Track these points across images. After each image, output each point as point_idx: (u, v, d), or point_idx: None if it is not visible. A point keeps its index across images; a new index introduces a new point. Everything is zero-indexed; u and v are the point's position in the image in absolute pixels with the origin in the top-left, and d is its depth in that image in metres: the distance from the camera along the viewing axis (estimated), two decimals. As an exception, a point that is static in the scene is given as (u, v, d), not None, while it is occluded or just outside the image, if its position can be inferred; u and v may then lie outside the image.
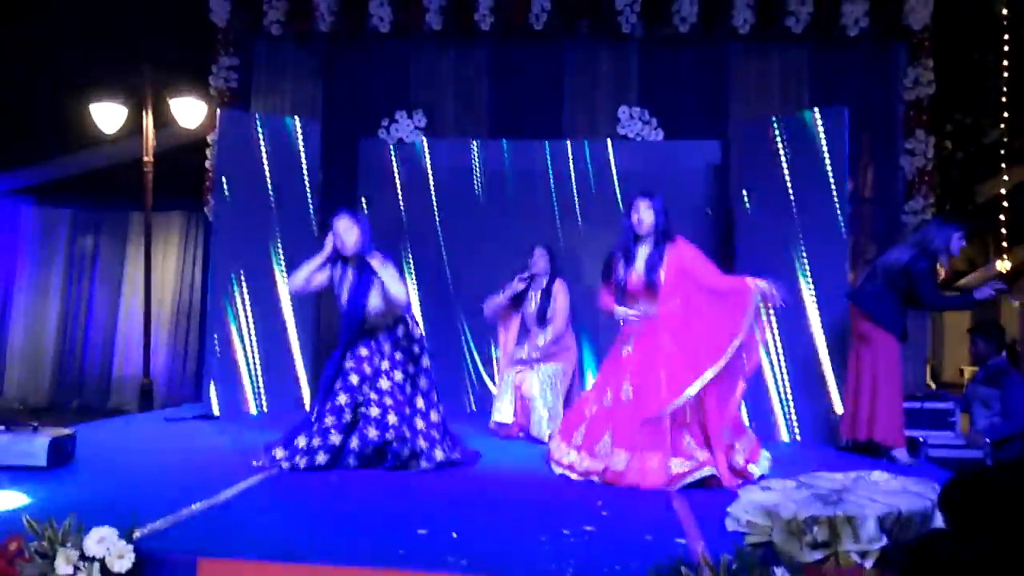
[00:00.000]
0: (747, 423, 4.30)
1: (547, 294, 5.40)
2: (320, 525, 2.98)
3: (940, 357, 12.70)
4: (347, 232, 4.11)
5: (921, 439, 4.80)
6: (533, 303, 5.42)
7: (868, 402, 4.65)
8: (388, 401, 4.08)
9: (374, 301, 4.16)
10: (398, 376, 4.17)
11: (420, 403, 4.23)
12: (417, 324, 4.40)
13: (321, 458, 3.99)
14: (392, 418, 4.04)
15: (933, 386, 8.22)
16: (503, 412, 5.33)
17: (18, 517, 2.59)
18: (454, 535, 2.84)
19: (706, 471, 3.72)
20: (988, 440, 4.91)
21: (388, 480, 3.84)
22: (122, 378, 7.79)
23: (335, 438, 4.03)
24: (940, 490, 2.25)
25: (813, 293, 5.52)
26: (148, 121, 7.07)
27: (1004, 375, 5.20)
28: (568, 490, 3.77)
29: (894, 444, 4.59)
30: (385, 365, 4.17)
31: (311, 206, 6.36)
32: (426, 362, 4.33)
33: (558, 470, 4.10)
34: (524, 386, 5.29)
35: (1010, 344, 8.27)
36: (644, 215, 4.10)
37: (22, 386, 7.90)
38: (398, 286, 4.10)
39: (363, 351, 4.19)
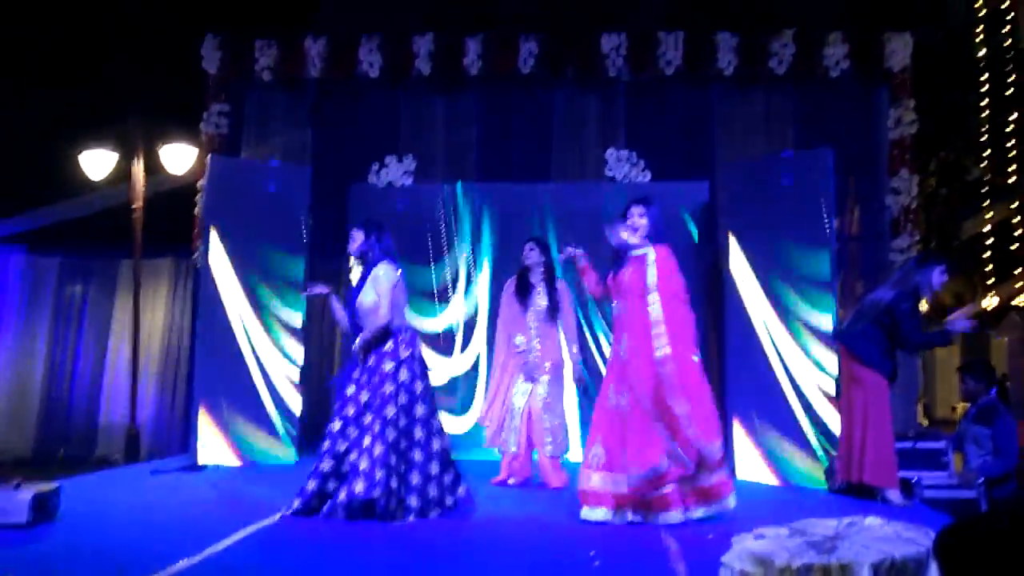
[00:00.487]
0: (727, 462, 4.35)
1: (549, 283, 5.25)
2: (308, 580, 2.93)
3: (932, 394, 12.70)
4: (351, 240, 4.37)
5: (914, 479, 4.76)
6: (541, 298, 5.25)
7: (860, 442, 4.63)
8: (378, 450, 3.97)
9: (362, 298, 4.18)
10: (390, 412, 4.05)
11: (418, 432, 4.12)
12: (412, 343, 4.22)
13: (296, 503, 4.03)
14: (379, 473, 3.93)
15: (926, 423, 8.21)
16: (511, 442, 5.22)
17: (-2, 578, 2.54)
18: (444, 589, 2.80)
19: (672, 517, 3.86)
20: (981, 480, 4.88)
21: (379, 532, 3.77)
22: (109, 427, 7.68)
23: (311, 484, 4.06)
24: (935, 537, 2.22)
25: (800, 332, 5.53)
26: (138, 168, 7.07)
27: (994, 413, 5.19)
28: (561, 539, 3.72)
29: (885, 485, 4.55)
30: (376, 401, 4.08)
31: (300, 252, 6.34)
32: (419, 387, 4.18)
33: (584, 510, 4.03)
34: (532, 405, 5.18)
35: (999, 380, 8.28)
36: (637, 221, 4.20)
37: (7, 435, 7.77)
38: (372, 295, 4.13)
39: (350, 389, 4.15)
